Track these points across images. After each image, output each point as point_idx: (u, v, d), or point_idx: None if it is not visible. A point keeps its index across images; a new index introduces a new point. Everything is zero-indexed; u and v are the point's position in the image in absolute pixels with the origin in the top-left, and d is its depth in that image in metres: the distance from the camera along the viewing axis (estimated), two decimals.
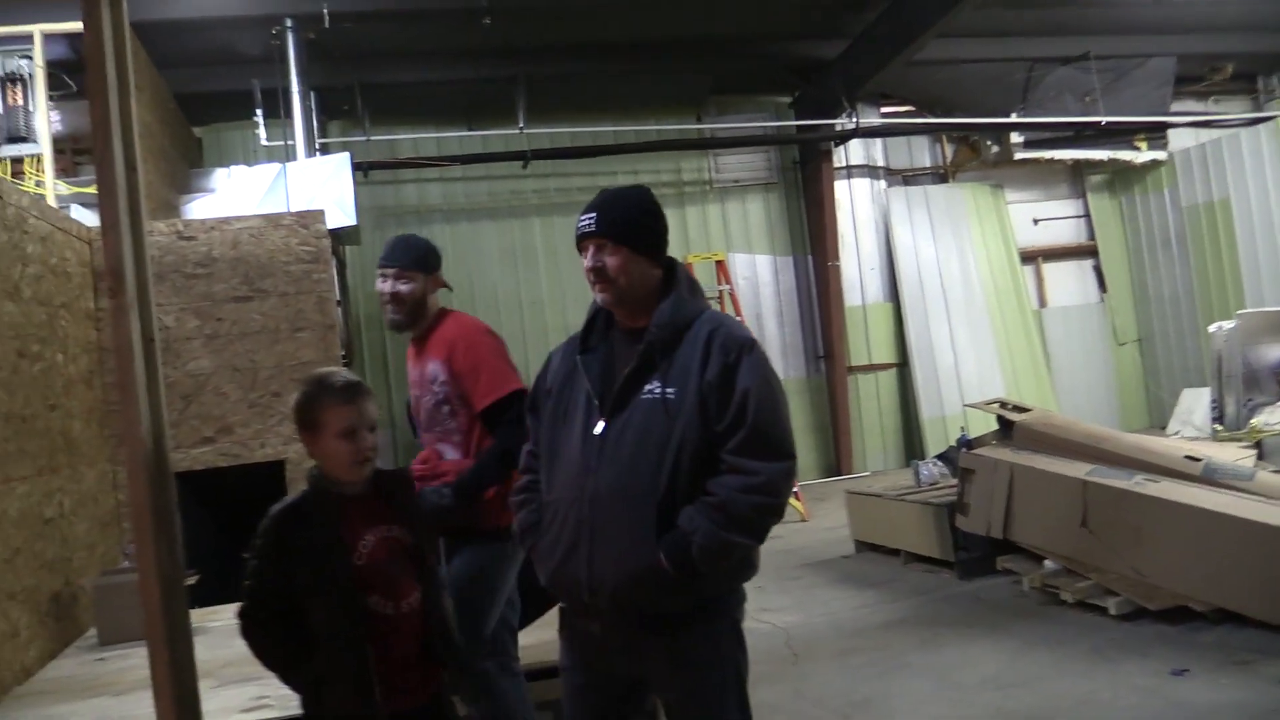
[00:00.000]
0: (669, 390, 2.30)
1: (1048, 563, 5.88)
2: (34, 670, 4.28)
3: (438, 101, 11.49)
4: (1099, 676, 4.49)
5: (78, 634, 4.84)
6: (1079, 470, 5.75)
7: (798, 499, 9.57)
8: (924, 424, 12.47)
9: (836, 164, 12.80)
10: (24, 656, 4.23)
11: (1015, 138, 12.98)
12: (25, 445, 4.52)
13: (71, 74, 7.77)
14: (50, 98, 7.26)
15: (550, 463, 2.45)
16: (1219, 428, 9.57)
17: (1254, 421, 8.66)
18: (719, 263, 10.65)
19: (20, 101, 7.18)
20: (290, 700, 3.37)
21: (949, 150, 13.75)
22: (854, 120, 11.85)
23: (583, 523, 2.30)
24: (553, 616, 2.56)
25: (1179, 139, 13.51)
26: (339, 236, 8.42)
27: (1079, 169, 13.99)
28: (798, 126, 12.59)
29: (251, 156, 10.50)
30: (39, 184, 7.07)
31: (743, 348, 2.31)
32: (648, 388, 2.32)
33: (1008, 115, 12.54)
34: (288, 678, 2.54)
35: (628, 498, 2.27)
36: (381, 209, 11.57)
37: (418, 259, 3.46)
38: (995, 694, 4.43)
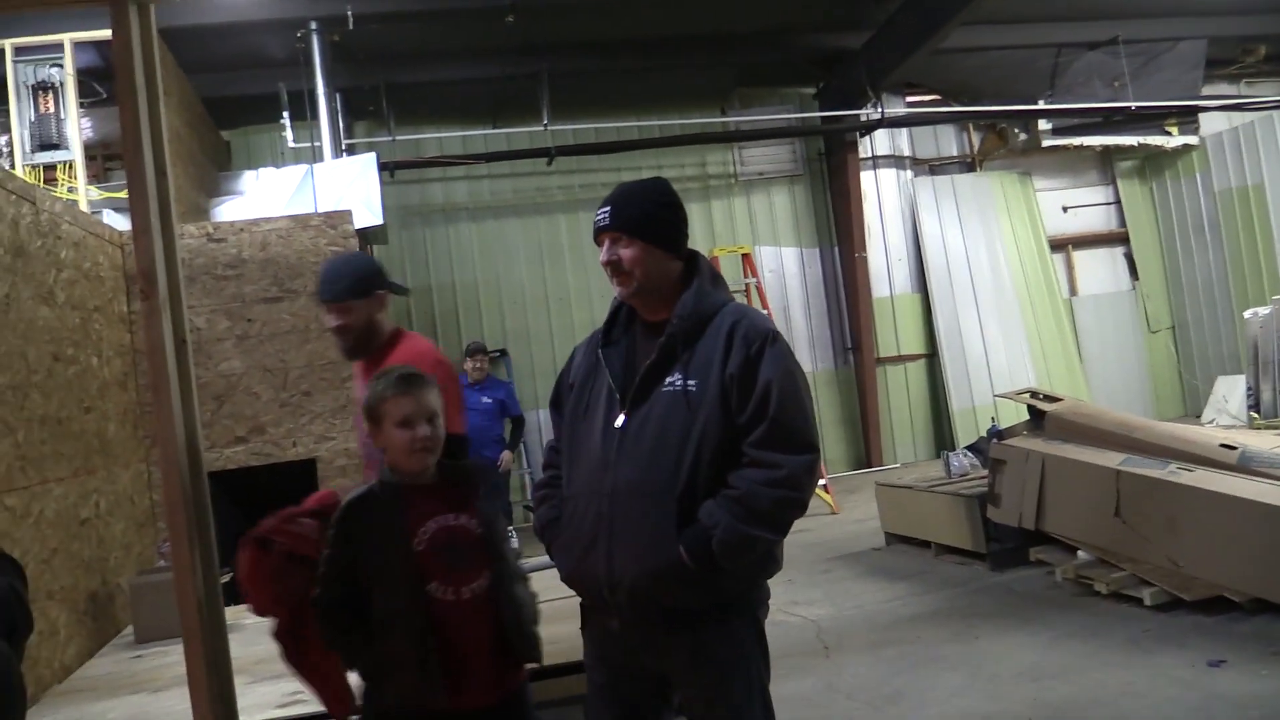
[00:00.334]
0: (690, 382, 2.28)
1: (1081, 553, 5.83)
2: (73, 668, 4.35)
3: (462, 100, 11.53)
4: (1135, 668, 4.45)
5: (115, 632, 4.91)
6: (1112, 460, 5.69)
7: (827, 491, 9.54)
8: (954, 415, 12.38)
9: (862, 155, 12.73)
10: (63, 655, 4.30)
11: (1043, 125, 12.85)
12: (61, 447, 4.58)
13: (101, 81, 7.87)
14: (81, 105, 7.35)
15: (571, 457, 2.44)
16: (1255, 415, 9.44)
17: None
18: (745, 256, 10.62)
19: (52, 109, 7.28)
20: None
21: (976, 139, 13.63)
22: (879, 110, 11.77)
23: (602, 517, 2.29)
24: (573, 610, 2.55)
25: (1211, 123, 13.31)
26: (366, 236, 8.47)
27: (1108, 155, 13.82)
28: (822, 118, 12.52)
29: (279, 159, 10.58)
30: (71, 190, 7.17)
31: (765, 339, 2.29)
32: (669, 380, 2.31)
33: (1035, 102, 12.41)
34: (353, 665, 2.57)
35: (647, 492, 2.25)
36: (408, 208, 11.64)
37: (350, 288, 3.24)
38: (1030, 686, 4.40)
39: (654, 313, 2.41)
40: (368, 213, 8.35)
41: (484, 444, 7.58)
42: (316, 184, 8.66)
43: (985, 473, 6.90)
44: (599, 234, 2.41)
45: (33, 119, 7.27)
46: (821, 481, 9.33)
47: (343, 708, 2.54)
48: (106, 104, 8.16)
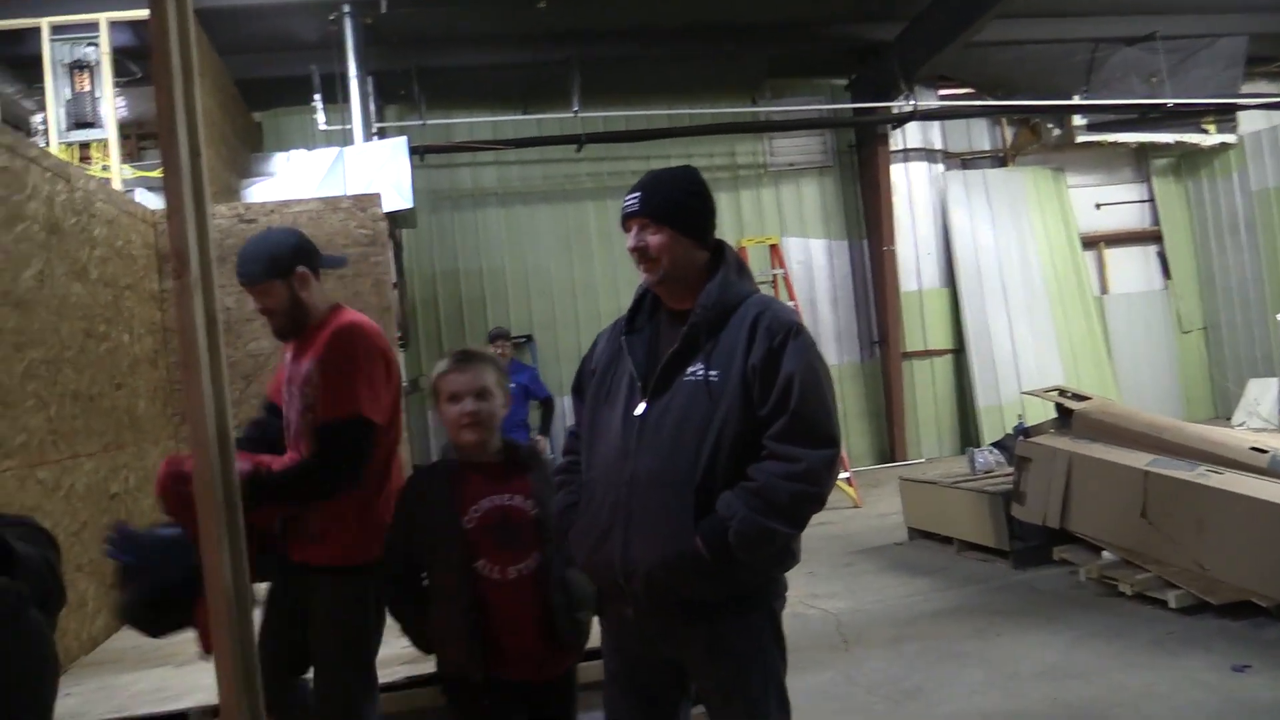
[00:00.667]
0: (712, 373, 2.27)
1: (1106, 554, 5.78)
2: (100, 640, 4.41)
3: (493, 85, 11.54)
4: (1159, 670, 4.41)
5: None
6: (1140, 460, 5.64)
7: (850, 485, 9.51)
8: (980, 411, 12.30)
9: (893, 147, 12.64)
10: (90, 626, 4.36)
11: (1077, 120, 12.69)
12: (92, 423, 4.64)
13: (136, 61, 7.94)
14: (116, 84, 7.42)
15: (591, 443, 2.44)
16: None
17: None
18: (773, 247, 10.57)
19: (87, 88, 7.35)
20: None
21: (1009, 133, 13.50)
22: (911, 103, 11.68)
23: (620, 505, 2.28)
24: None
25: (1249, 121, 13.11)
26: (395, 219, 8.50)
27: (1144, 152, 13.65)
28: (854, 109, 12.44)
29: (310, 141, 10.63)
30: (105, 168, 7.24)
31: (789, 331, 2.27)
32: (691, 370, 2.30)
33: (1070, 97, 12.27)
34: (408, 634, 2.64)
35: (666, 481, 2.24)
36: (437, 192, 11.67)
37: (266, 269, 2.98)
38: (1051, 685, 4.38)
39: (679, 301, 2.41)
40: (397, 196, 8.38)
41: (509, 428, 7.60)
42: (347, 167, 8.70)
43: (1010, 470, 6.86)
44: (627, 219, 2.40)
45: (68, 97, 7.34)
46: (844, 475, 9.31)
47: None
48: (141, 83, 8.24)
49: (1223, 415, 12.66)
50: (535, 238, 11.93)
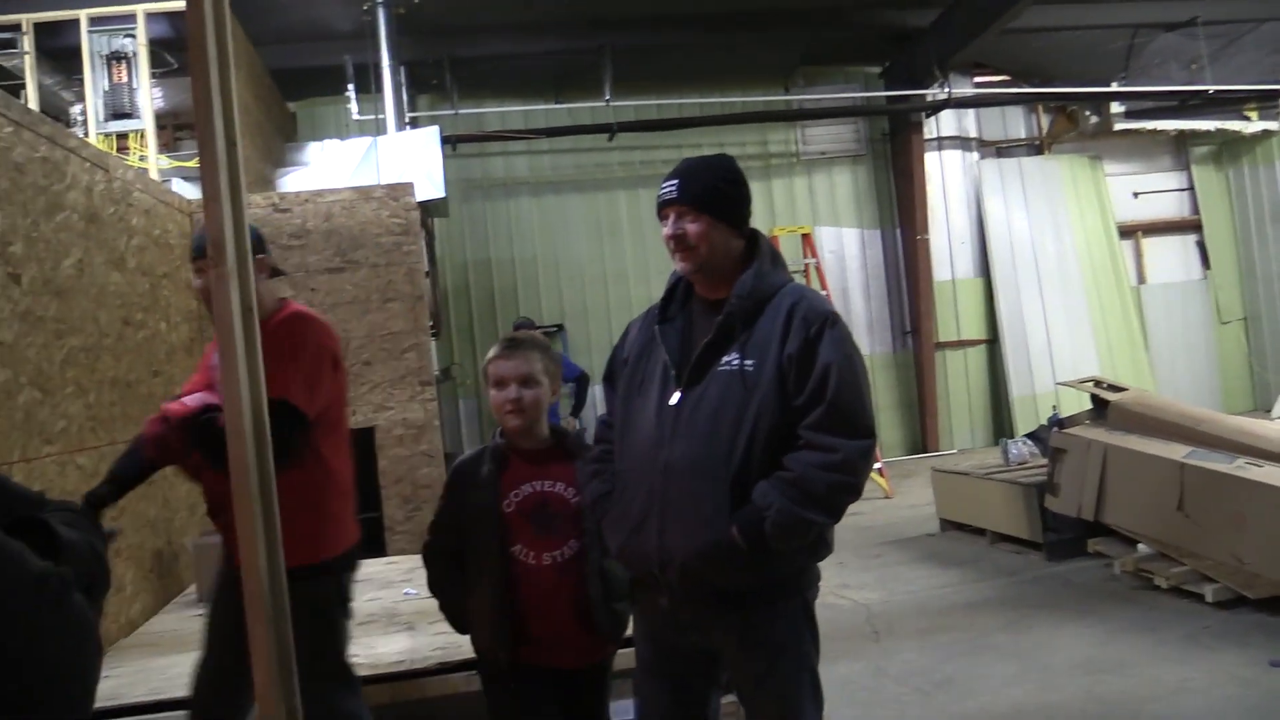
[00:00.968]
0: (747, 362, 2.27)
1: (1141, 546, 5.72)
2: (138, 623, 4.48)
3: (524, 75, 11.56)
4: (1194, 664, 4.37)
5: (179, 590, 5.04)
6: (1177, 452, 5.57)
7: (882, 475, 9.47)
8: (1014, 402, 12.20)
9: (927, 135, 12.52)
10: (129, 610, 4.43)
11: (1116, 108, 12.53)
12: (129, 410, 4.70)
13: (172, 51, 8.00)
14: (152, 75, 7.49)
15: (624, 433, 2.43)
16: None
17: None
18: (805, 236, 10.53)
19: (125, 79, 7.42)
20: (379, 660, 3.47)
21: (1045, 121, 13.33)
22: (946, 90, 11.57)
23: (654, 494, 2.28)
24: None
25: None
26: (428, 209, 8.54)
27: (1183, 140, 13.44)
28: (887, 97, 12.34)
29: (343, 131, 10.70)
30: (142, 158, 7.32)
31: (825, 321, 2.27)
32: (726, 359, 2.29)
33: (1108, 84, 12.10)
34: (445, 612, 2.67)
35: (701, 470, 2.24)
36: (469, 182, 11.71)
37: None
38: (1085, 678, 4.34)
39: (712, 290, 2.40)
40: (430, 186, 8.42)
41: None
42: (380, 156, 8.75)
43: (1044, 461, 6.80)
44: (664, 206, 2.38)
45: (106, 88, 7.42)
46: (876, 465, 9.25)
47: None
48: (177, 74, 8.31)
49: (1262, 407, 12.44)
50: (567, 227, 11.95)
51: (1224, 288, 13.52)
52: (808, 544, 2.27)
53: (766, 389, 2.24)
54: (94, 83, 7.36)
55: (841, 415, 2.21)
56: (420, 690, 3.28)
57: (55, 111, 8.60)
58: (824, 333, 2.25)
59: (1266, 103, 12.70)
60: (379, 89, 9.67)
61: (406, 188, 6.47)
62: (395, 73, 9.69)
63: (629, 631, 2.60)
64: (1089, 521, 6.01)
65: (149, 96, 7.39)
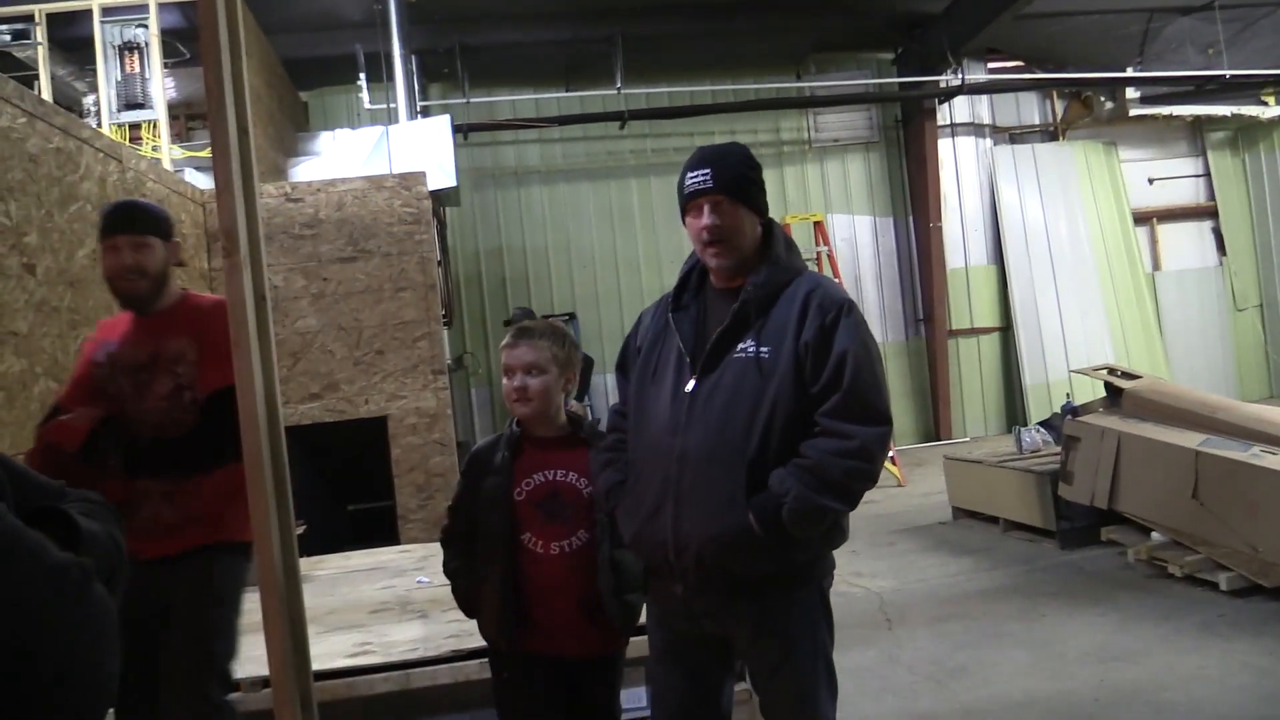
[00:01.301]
0: (763, 349, 2.26)
1: (1155, 535, 5.70)
2: None
3: (536, 63, 11.53)
4: (1208, 653, 4.35)
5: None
6: (1191, 440, 5.55)
7: (894, 464, 9.45)
8: (1027, 390, 12.15)
9: (940, 122, 12.45)
10: None
11: (1131, 93, 12.44)
12: None
13: (184, 41, 8.02)
14: (165, 65, 7.51)
15: (638, 421, 2.43)
16: None
17: None
18: (817, 224, 10.49)
19: (137, 69, 7.44)
20: (392, 648, 3.49)
21: (1059, 107, 13.24)
22: (959, 76, 11.51)
23: (669, 482, 2.27)
24: None
25: None
26: (439, 198, 8.55)
27: (1199, 126, 13.33)
28: (900, 84, 12.28)
29: (355, 120, 10.72)
30: (155, 149, 7.34)
31: (841, 309, 2.27)
32: (741, 346, 2.29)
33: (1123, 69, 12.00)
34: (456, 596, 2.68)
35: (717, 458, 2.24)
36: (480, 170, 11.72)
37: (158, 223, 2.88)
38: (1098, 666, 4.33)
39: (728, 278, 2.39)
40: (441, 174, 8.43)
41: None
42: (391, 145, 8.76)
43: (1057, 449, 6.77)
44: (696, 196, 2.34)
45: (119, 79, 7.44)
46: (889, 453, 9.24)
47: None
48: (189, 64, 8.32)
49: (1278, 394, 12.39)
50: (578, 215, 11.95)
51: (1240, 274, 13.43)
52: (823, 531, 2.27)
53: (783, 376, 2.24)
54: (106, 73, 7.39)
55: (858, 402, 2.21)
56: (433, 678, 3.30)
57: (68, 102, 8.64)
58: (840, 320, 2.25)
59: None
60: (390, 78, 9.67)
61: (418, 177, 6.48)
62: (406, 61, 9.69)
63: (641, 621, 2.60)
64: (1102, 509, 5.99)
65: (161, 86, 7.41)
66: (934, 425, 12.41)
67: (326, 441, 6.23)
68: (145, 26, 7.39)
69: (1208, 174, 13.49)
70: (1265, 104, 12.76)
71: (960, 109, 12.64)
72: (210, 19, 1.91)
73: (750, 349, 2.28)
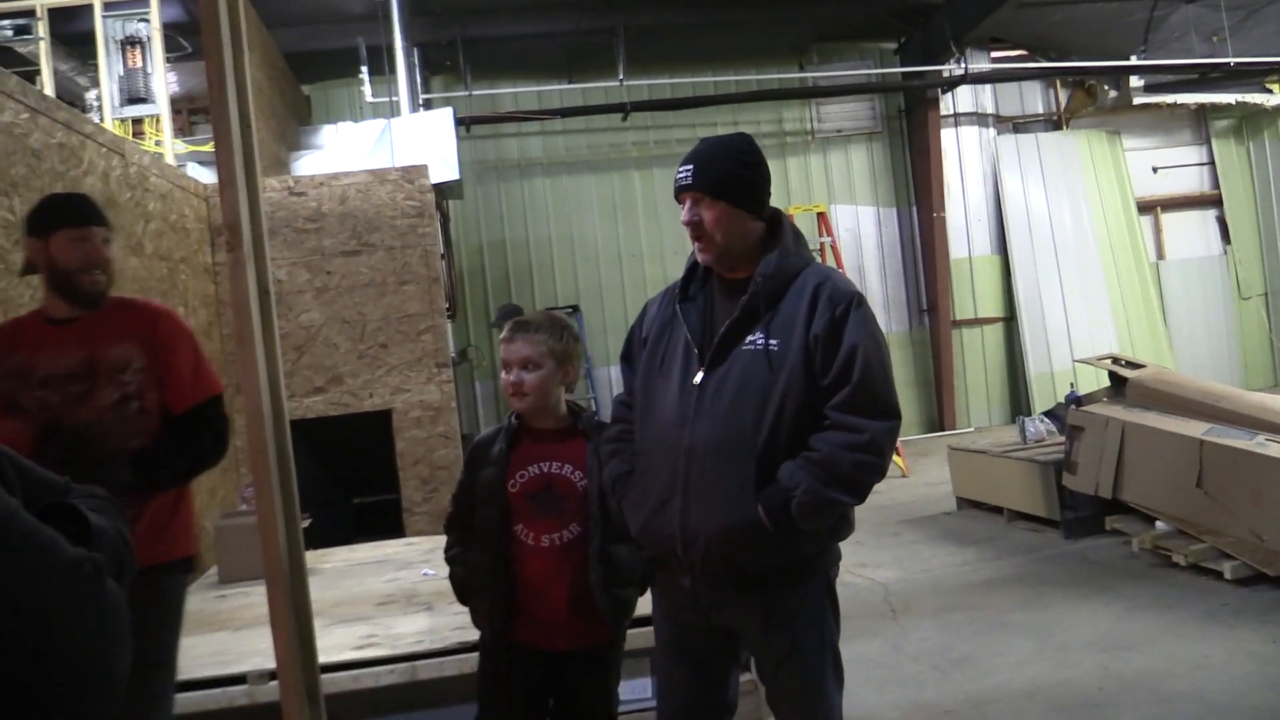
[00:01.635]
0: (772, 342, 2.26)
1: (1159, 524, 5.70)
2: None
3: (538, 55, 11.52)
4: (1213, 642, 4.35)
5: (200, 572, 5.09)
6: (1195, 429, 5.54)
7: (899, 454, 9.45)
8: (1031, 380, 12.15)
9: (943, 111, 12.43)
10: None
11: (1135, 81, 12.38)
12: None
13: (186, 35, 8.02)
14: (167, 59, 7.50)
15: (645, 412, 2.42)
16: None
17: None
18: (820, 214, 10.48)
19: (139, 64, 7.44)
20: (398, 640, 3.50)
21: (1063, 96, 13.20)
22: (962, 66, 11.48)
23: (677, 474, 2.27)
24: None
25: None
26: (442, 191, 8.55)
27: (1203, 114, 13.29)
28: (903, 73, 12.25)
29: (357, 113, 10.72)
30: (158, 143, 7.34)
31: (850, 302, 2.27)
32: (750, 339, 2.29)
33: (1127, 58, 11.96)
34: (452, 582, 2.69)
35: (725, 451, 2.23)
36: (483, 163, 11.71)
37: (103, 216, 2.72)
38: (1102, 655, 4.34)
39: (733, 271, 2.39)
40: (444, 167, 8.43)
41: None
42: (394, 138, 8.76)
43: (1061, 439, 6.77)
44: (680, 192, 2.37)
45: (121, 73, 7.44)
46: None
47: None
48: (191, 58, 8.33)
49: None
50: (581, 207, 11.94)
51: (1244, 263, 13.40)
52: (832, 524, 2.28)
53: (792, 369, 2.23)
54: (108, 68, 7.38)
55: (868, 396, 2.21)
56: (439, 670, 3.31)
57: (70, 97, 8.64)
58: (850, 313, 2.25)
59: None
60: (392, 71, 9.67)
61: (421, 170, 6.48)
62: (408, 54, 9.69)
63: (643, 613, 2.61)
64: (1107, 499, 6.00)
65: (164, 81, 7.41)
66: (938, 415, 12.41)
67: (331, 435, 6.24)
68: (147, 21, 7.38)
69: (1212, 162, 13.45)
70: (1270, 91, 12.71)
71: (963, 98, 12.61)
72: (212, 13, 1.91)
73: (759, 341, 2.27)
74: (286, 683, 1.92)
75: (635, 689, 3.43)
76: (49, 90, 6.97)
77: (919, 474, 9.28)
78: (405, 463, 6.26)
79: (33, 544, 1.10)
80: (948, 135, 12.53)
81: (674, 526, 2.27)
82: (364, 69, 9.96)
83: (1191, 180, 13.47)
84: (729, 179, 2.34)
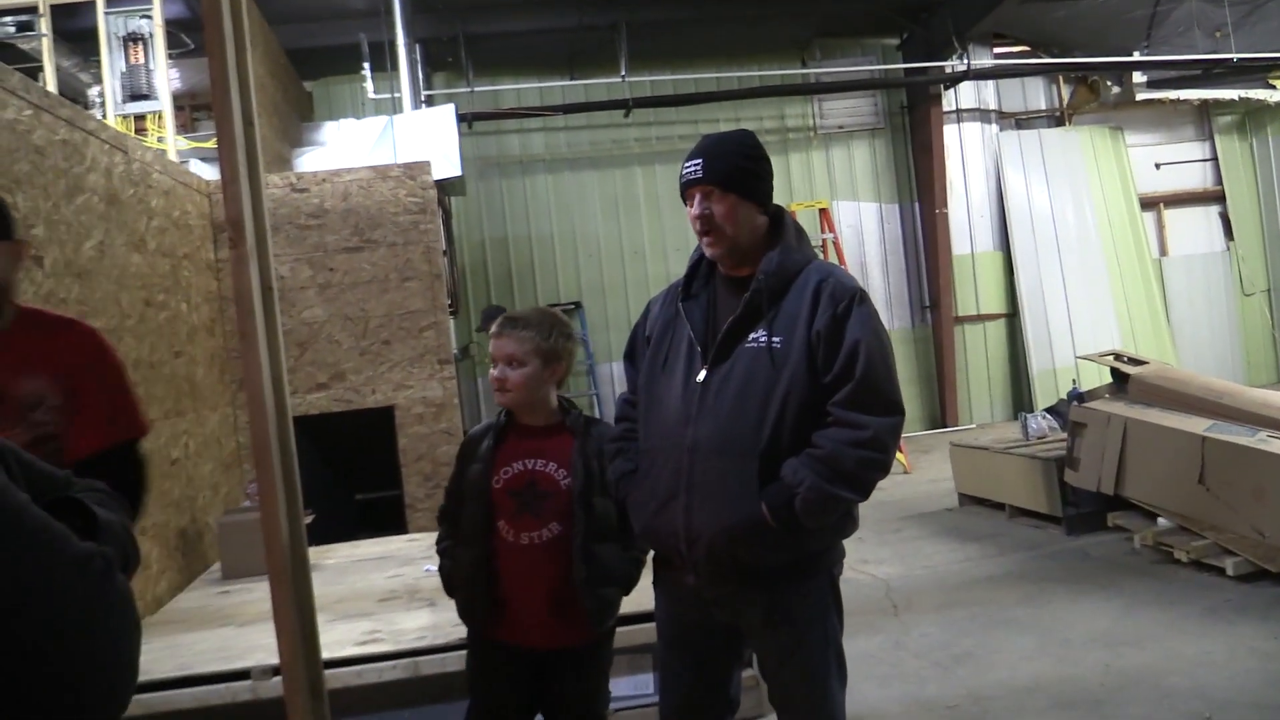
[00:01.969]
0: (775, 339, 2.26)
1: (1161, 520, 5.70)
2: (164, 600, 4.55)
3: (540, 51, 11.51)
4: (1214, 638, 4.36)
5: (203, 568, 5.11)
6: (1197, 425, 5.54)
7: (901, 450, 9.45)
8: (1033, 376, 12.13)
9: (946, 108, 12.41)
10: (155, 588, 4.49)
11: (1138, 77, 12.36)
12: (152, 390, 4.75)
13: (188, 32, 8.02)
14: (169, 56, 7.51)
15: (649, 410, 2.42)
16: None
17: None
18: (823, 211, 10.47)
19: (141, 60, 7.44)
20: (401, 635, 3.52)
21: (1066, 92, 13.18)
22: (965, 62, 11.46)
23: (681, 472, 2.27)
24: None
25: None
26: (444, 187, 8.55)
27: (1206, 110, 13.26)
28: (905, 69, 12.24)
29: (359, 110, 10.72)
30: (160, 140, 7.35)
31: (853, 298, 2.27)
32: (753, 336, 2.29)
33: (1130, 53, 11.93)
34: (440, 573, 2.70)
35: (729, 448, 2.23)
36: (485, 159, 11.70)
37: (6, 222, 2.16)
38: (1103, 651, 4.34)
39: (736, 267, 2.39)
40: (446, 164, 8.43)
41: None
42: (396, 135, 8.76)
43: (1064, 436, 6.77)
44: (688, 187, 2.36)
45: (123, 70, 7.44)
46: None
47: None
48: (193, 55, 8.33)
49: None
50: (583, 204, 11.94)
51: (1247, 259, 13.38)
52: (836, 520, 2.28)
53: (795, 366, 2.24)
54: (111, 64, 7.39)
55: (871, 392, 2.21)
56: (442, 665, 3.32)
57: (73, 94, 8.64)
58: (852, 310, 2.25)
59: None
60: (394, 67, 9.66)
61: (423, 166, 6.48)
62: (410, 50, 9.68)
63: (642, 607, 2.61)
64: (1109, 495, 6.00)
65: (166, 77, 7.41)
66: (940, 412, 12.41)
67: (334, 431, 6.25)
68: (149, 17, 7.39)
69: (1215, 158, 13.43)
70: (1273, 87, 12.68)
71: (966, 94, 12.59)
72: (214, 9, 1.92)
73: (762, 339, 2.28)
74: (290, 678, 1.93)
75: (637, 685, 3.44)
76: (51, 87, 6.97)
77: (921, 470, 9.29)
78: (408, 459, 6.27)
79: (43, 539, 1.11)
80: (950, 131, 12.51)
81: (678, 524, 2.27)
82: (366, 65, 9.96)
83: (1194, 176, 13.45)
84: (738, 172, 2.34)
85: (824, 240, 10.11)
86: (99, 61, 7.54)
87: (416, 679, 3.33)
